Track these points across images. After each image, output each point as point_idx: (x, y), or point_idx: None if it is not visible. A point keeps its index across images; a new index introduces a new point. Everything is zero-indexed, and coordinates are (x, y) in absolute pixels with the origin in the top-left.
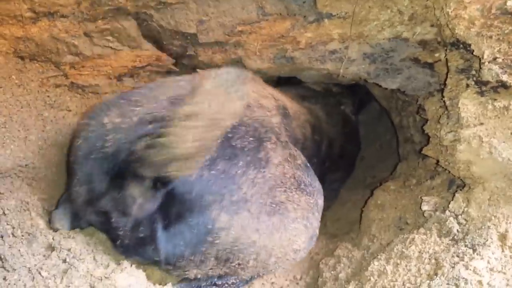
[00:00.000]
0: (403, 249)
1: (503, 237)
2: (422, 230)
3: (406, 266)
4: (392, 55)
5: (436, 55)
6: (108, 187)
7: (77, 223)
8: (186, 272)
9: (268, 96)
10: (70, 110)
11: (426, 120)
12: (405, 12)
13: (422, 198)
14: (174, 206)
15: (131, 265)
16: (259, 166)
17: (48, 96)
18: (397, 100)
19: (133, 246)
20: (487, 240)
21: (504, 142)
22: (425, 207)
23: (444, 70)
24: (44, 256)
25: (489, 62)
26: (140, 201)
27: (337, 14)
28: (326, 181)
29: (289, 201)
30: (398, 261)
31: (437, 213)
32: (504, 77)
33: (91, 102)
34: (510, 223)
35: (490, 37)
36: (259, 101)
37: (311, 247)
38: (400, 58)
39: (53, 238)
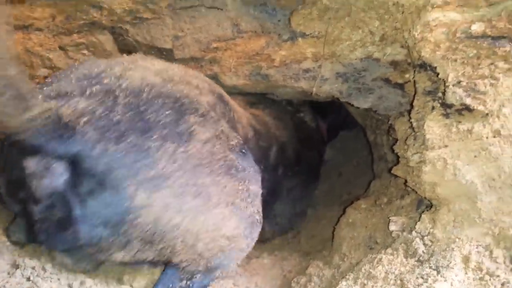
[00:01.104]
0: (371, 269)
1: (466, 259)
2: (389, 250)
3: (372, 286)
4: (364, 74)
5: (407, 75)
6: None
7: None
8: (112, 255)
9: (205, 81)
10: None
11: (396, 140)
12: (376, 33)
13: (390, 218)
14: (83, 182)
15: (96, 284)
16: (179, 140)
17: None
18: (372, 118)
19: (53, 235)
20: (450, 262)
21: (467, 164)
22: (392, 227)
23: (413, 91)
24: (8, 273)
25: (453, 85)
26: (39, 177)
27: (311, 34)
28: (283, 189)
29: (214, 185)
30: (365, 282)
31: (405, 233)
32: (468, 101)
33: None
34: (473, 245)
35: (455, 60)
36: (188, 79)
37: (253, 236)
38: (371, 78)
39: (18, 255)
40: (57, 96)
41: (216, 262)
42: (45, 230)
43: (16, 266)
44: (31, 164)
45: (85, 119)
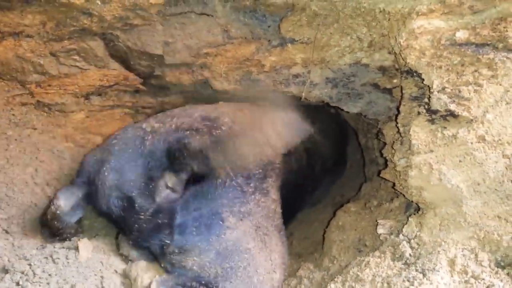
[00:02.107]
0: (358, 272)
1: (452, 263)
2: (377, 253)
3: None
4: (353, 80)
5: (395, 81)
6: (139, 177)
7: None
8: (186, 260)
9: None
10: (35, 129)
11: (385, 144)
12: (364, 39)
13: (378, 221)
14: (196, 200)
15: None
16: (263, 194)
17: (13, 115)
18: (363, 122)
19: (149, 230)
20: (436, 265)
21: (453, 169)
22: (380, 230)
23: (401, 96)
24: None
25: (438, 92)
26: (168, 191)
27: (300, 40)
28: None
29: (275, 236)
30: (353, 284)
31: (392, 236)
32: (452, 107)
33: (57, 121)
34: (459, 248)
35: (440, 67)
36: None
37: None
38: (360, 83)
39: (8, 260)
40: (189, 129)
41: None
42: (145, 227)
43: (5, 271)
44: (170, 181)
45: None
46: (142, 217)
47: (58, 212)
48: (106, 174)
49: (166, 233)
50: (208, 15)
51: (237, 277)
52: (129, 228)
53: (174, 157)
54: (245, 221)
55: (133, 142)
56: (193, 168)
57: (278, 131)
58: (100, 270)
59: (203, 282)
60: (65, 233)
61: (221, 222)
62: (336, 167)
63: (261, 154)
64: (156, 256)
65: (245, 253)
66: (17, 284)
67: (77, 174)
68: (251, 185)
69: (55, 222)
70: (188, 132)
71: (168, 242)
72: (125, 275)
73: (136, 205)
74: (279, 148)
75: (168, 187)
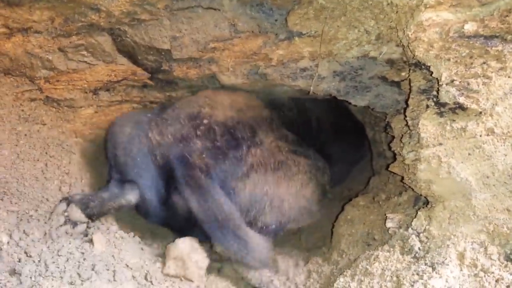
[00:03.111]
0: (367, 266)
1: (461, 256)
2: (386, 247)
3: (369, 283)
4: (361, 73)
5: (403, 74)
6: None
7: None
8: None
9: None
10: (45, 124)
11: (393, 137)
12: (372, 32)
13: (387, 215)
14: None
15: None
16: (257, 146)
17: (22, 110)
18: (371, 115)
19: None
20: (446, 259)
21: (462, 162)
22: (389, 224)
23: (409, 89)
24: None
25: (446, 84)
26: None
27: (307, 33)
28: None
29: (288, 159)
30: (362, 278)
31: (401, 230)
32: (461, 99)
33: (66, 116)
34: (468, 242)
35: (448, 59)
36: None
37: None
38: (368, 76)
39: (20, 255)
40: (182, 140)
41: (293, 217)
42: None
43: (18, 265)
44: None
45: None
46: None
47: None
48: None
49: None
50: (215, 9)
51: (266, 214)
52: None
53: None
54: (251, 175)
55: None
56: None
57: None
58: (112, 264)
59: None
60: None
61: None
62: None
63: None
64: None
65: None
66: (30, 278)
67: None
68: (243, 146)
69: None
70: (183, 143)
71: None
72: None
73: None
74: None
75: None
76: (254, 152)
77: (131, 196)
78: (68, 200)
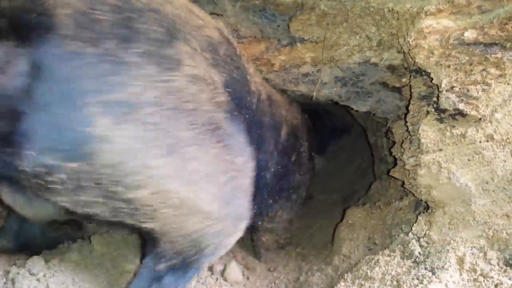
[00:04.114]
0: (368, 270)
1: (461, 261)
2: (387, 251)
3: (369, 287)
4: (362, 78)
5: (404, 80)
6: None
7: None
8: (56, 197)
9: (211, 19)
10: None
11: (394, 142)
12: (373, 38)
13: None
14: (41, 88)
15: None
16: (165, 65)
17: None
18: (372, 121)
19: None
20: (445, 264)
21: (461, 168)
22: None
23: (410, 95)
24: None
25: (446, 91)
26: None
27: (309, 39)
28: (292, 177)
29: (193, 144)
30: (363, 282)
31: (402, 235)
32: (461, 106)
33: None
34: (468, 247)
35: (448, 66)
36: (191, 8)
37: (236, 219)
38: (370, 82)
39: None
40: None
41: (193, 243)
42: None
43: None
44: None
45: (62, 9)
46: None
47: None
48: None
49: (15, 153)
50: (218, 14)
51: (141, 210)
52: None
53: None
54: (133, 120)
55: None
56: None
57: None
58: (107, 270)
59: None
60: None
61: (85, 128)
62: None
63: None
64: None
65: (138, 185)
66: (38, 280)
67: None
68: (136, 50)
69: None
70: None
71: (22, 169)
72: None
73: None
74: None
75: None
76: None
77: None
78: None
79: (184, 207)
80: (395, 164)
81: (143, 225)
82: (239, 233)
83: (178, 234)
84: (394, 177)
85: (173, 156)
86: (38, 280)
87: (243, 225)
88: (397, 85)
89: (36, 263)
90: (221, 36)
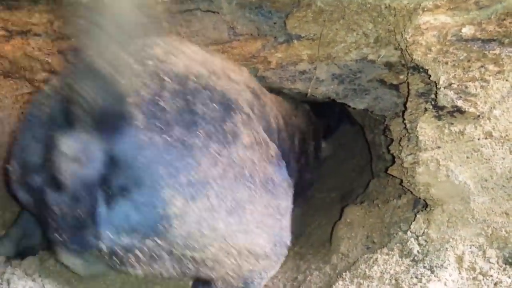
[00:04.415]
0: (366, 269)
1: (460, 259)
2: (385, 250)
3: (368, 286)
4: (360, 76)
5: (401, 77)
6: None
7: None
8: (133, 269)
9: (240, 73)
10: None
11: (392, 140)
12: (370, 35)
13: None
14: (117, 175)
15: None
16: (224, 141)
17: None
18: (370, 118)
19: (71, 231)
20: (444, 262)
21: (460, 165)
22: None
23: (407, 92)
24: None
25: (444, 88)
26: (74, 160)
27: (306, 36)
28: (302, 181)
29: (250, 202)
30: (361, 281)
31: (400, 233)
32: (459, 103)
33: None
34: (467, 245)
35: (446, 63)
36: (228, 73)
37: (278, 255)
38: (367, 79)
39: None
40: None
41: (244, 281)
42: (60, 224)
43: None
44: (67, 141)
45: (131, 100)
46: (59, 213)
47: None
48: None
49: (92, 233)
50: (214, 12)
51: (203, 271)
52: (52, 232)
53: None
54: (200, 198)
55: (34, 112)
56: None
57: None
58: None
59: None
60: None
61: (161, 210)
62: None
63: None
64: None
65: (205, 248)
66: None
67: None
68: (199, 134)
69: None
70: None
71: (99, 247)
72: None
73: (46, 197)
74: None
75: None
76: None
77: None
78: None
79: (243, 255)
80: (393, 162)
81: (203, 275)
82: (281, 263)
83: (233, 276)
84: (392, 175)
85: (234, 215)
86: (33, 280)
87: (285, 255)
88: (395, 82)
89: (32, 263)
90: (252, 93)
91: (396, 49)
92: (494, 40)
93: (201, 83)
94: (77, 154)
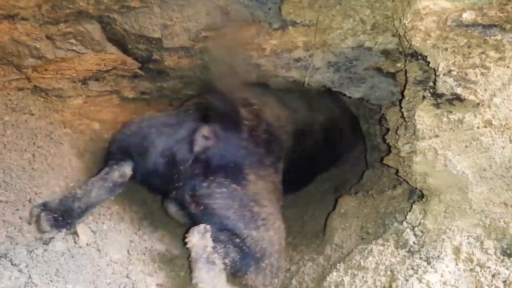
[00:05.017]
0: (361, 260)
1: (457, 250)
2: (380, 240)
3: (362, 277)
4: (356, 64)
5: (398, 65)
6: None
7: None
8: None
9: None
10: (33, 114)
11: (388, 130)
12: (367, 22)
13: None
14: (219, 157)
15: None
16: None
17: (9, 100)
18: (365, 108)
19: (187, 179)
20: (441, 253)
21: (458, 155)
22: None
23: (405, 80)
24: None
25: (444, 75)
26: (204, 139)
27: (301, 22)
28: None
29: (275, 213)
30: (356, 272)
31: (396, 224)
32: (459, 90)
33: (55, 106)
34: (464, 236)
35: (446, 49)
36: None
37: None
38: (363, 67)
39: (7, 248)
40: None
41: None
42: (183, 178)
43: (5, 258)
44: (204, 128)
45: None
46: (182, 168)
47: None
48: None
49: (202, 182)
50: None
51: (257, 227)
52: (169, 180)
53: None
54: (262, 182)
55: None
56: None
57: None
58: (93, 260)
59: (230, 229)
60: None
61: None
62: None
63: None
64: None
65: (262, 207)
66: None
67: (111, 156)
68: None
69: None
70: None
71: (199, 188)
72: None
73: (177, 158)
74: None
75: (203, 136)
76: None
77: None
78: (40, 209)
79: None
80: (389, 152)
81: None
82: None
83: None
84: (387, 165)
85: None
86: (20, 271)
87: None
88: (392, 70)
89: (19, 253)
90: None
91: (393, 36)
92: (495, 26)
93: None
94: (208, 134)
